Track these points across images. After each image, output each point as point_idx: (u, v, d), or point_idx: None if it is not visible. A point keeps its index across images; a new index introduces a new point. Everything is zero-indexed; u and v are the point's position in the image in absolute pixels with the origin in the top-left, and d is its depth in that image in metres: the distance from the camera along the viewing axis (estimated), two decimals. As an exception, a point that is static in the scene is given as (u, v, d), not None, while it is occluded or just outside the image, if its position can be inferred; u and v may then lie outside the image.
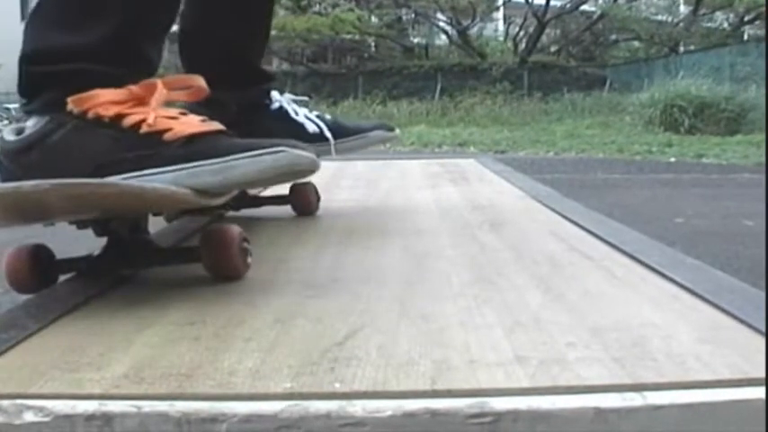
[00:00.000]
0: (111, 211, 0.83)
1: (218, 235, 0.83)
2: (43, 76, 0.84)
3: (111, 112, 0.80)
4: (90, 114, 0.80)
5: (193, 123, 0.82)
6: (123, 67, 0.84)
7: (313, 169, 0.82)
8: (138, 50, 0.88)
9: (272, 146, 0.79)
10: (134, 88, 0.82)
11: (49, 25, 0.86)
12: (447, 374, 0.54)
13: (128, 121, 0.80)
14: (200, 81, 0.87)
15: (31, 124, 0.83)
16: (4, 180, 0.82)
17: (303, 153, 0.80)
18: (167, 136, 0.80)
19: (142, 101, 0.82)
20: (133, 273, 0.90)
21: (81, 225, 0.87)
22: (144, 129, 0.80)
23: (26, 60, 0.86)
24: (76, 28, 0.84)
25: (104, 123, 0.80)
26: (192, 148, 0.79)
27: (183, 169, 0.78)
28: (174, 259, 0.92)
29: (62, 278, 0.90)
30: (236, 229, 0.84)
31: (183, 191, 0.77)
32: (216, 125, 0.84)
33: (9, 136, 0.84)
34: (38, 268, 0.86)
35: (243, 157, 0.78)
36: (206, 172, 0.78)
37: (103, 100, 0.80)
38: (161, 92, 0.82)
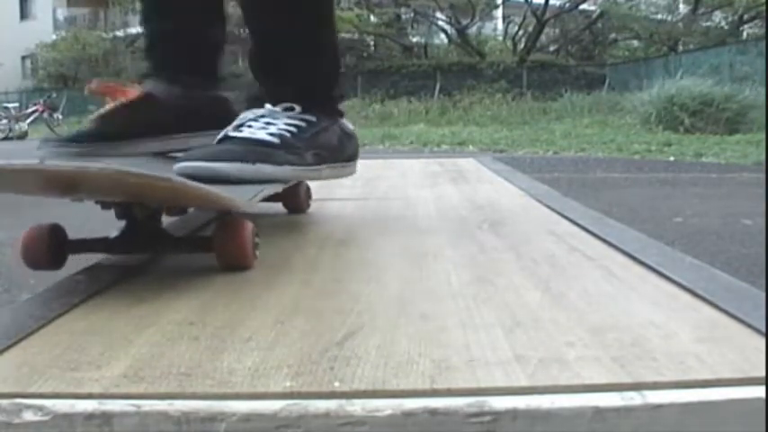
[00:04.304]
0: (152, 200, 0.90)
1: (233, 226, 0.88)
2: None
3: None
4: None
5: None
6: None
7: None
8: None
9: None
10: None
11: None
12: (446, 374, 0.54)
13: None
14: None
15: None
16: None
17: None
18: None
19: None
20: (138, 267, 0.90)
21: (105, 206, 0.92)
22: None
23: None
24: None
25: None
26: None
27: None
28: (186, 247, 0.97)
29: (66, 273, 0.90)
30: (249, 222, 0.89)
31: (226, 195, 0.85)
32: None
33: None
34: (53, 246, 0.92)
35: None
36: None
37: None
38: None
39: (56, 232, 0.93)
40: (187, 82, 1.29)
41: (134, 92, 1.26)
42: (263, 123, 1.09)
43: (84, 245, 0.94)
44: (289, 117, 1.11)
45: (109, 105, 1.27)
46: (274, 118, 1.10)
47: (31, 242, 0.91)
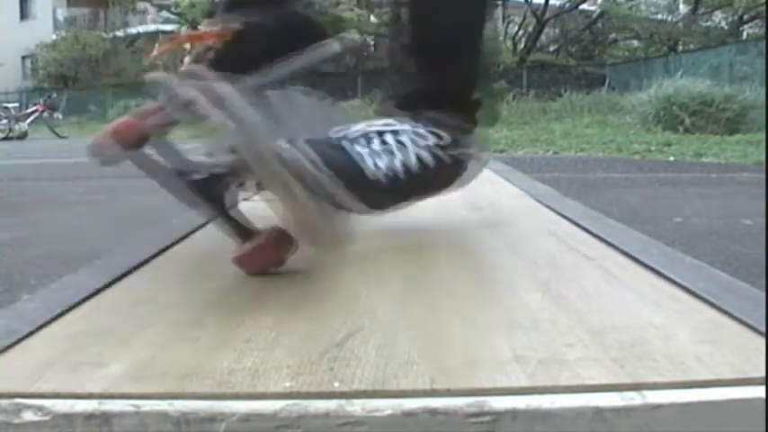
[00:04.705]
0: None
1: (284, 237, 0.86)
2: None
3: None
4: None
5: None
6: None
7: None
8: None
9: None
10: None
11: None
12: (446, 374, 0.54)
13: None
14: None
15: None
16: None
17: None
18: None
19: None
20: (138, 266, 0.90)
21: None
22: None
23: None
24: None
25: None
26: None
27: None
28: (231, 225, 0.92)
29: (66, 273, 0.90)
30: (296, 243, 0.87)
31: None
32: None
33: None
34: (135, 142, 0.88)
35: None
36: None
37: None
38: None
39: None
40: (268, 6, 1.26)
41: (213, 32, 1.18)
42: (396, 145, 0.98)
43: (158, 167, 0.90)
44: (426, 149, 1.00)
45: (201, 49, 1.21)
46: (412, 142, 0.99)
47: (119, 129, 0.88)
